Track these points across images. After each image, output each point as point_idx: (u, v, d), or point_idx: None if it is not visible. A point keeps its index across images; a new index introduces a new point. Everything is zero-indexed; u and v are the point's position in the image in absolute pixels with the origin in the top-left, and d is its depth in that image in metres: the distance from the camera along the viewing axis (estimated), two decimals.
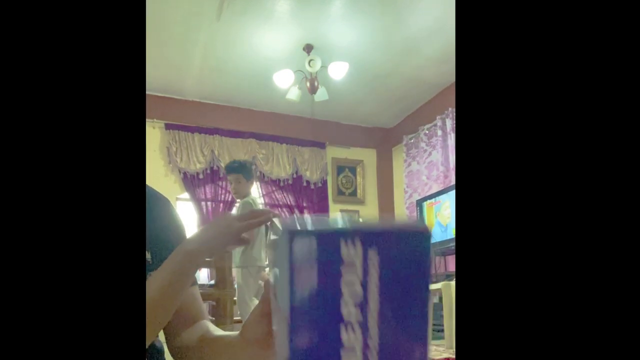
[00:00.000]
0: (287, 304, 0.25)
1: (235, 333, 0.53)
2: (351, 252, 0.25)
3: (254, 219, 0.56)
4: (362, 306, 0.25)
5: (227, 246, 0.56)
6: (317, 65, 3.82)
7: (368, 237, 0.25)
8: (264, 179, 4.88)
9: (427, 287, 0.26)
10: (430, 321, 0.26)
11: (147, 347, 0.57)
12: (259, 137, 4.90)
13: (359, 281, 0.25)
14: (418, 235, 0.26)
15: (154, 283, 0.53)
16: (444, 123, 4.47)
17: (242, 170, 3.14)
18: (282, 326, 0.26)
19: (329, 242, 0.25)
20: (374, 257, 0.25)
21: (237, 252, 2.94)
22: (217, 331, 0.61)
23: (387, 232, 0.26)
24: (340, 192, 5.23)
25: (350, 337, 0.25)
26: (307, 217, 0.26)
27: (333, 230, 0.25)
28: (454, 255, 4.05)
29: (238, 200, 3.22)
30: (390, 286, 0.25)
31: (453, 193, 3.89)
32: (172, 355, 0.65)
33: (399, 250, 0.26)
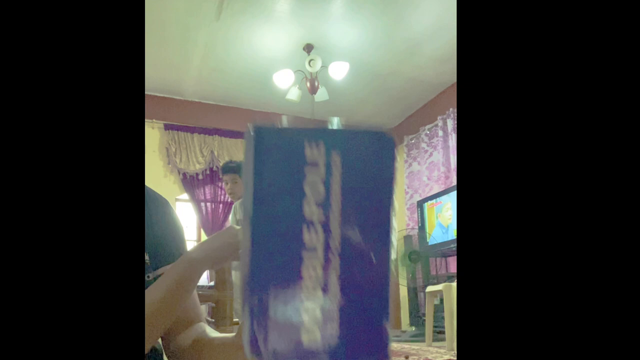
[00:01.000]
0: (250, 204, 0.25)
1: (230, 335, 0.53)
2: (314, 153, 0.25)
3: None
4: (325, 206, 0.25)
5: (230, 258, 0.56)
6: (318, 65, 3.82)
7: (331, 138, 0.26)
8: None
9: (390, 191, 0.26)
10: (394, 226, 0.26)
11: (147, 351, 0.57)
12: None
13: (321, 181, 0.25)
14: (381, 138, 0.26)
15: (157, 290, 0.54)
16: (445, 123, 4.47)
17: (239, 171, 3.13)
18: (246, 227, 0.25)
19: (292, 141, 0.25)
20: (336, 157, 0.25)
21: None
22: (213, 333, 0.62)
23: (350, 133, 0.26)
24: None
25: (312, 238, 0.25)
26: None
27: (297, 130, 0.26)
28: (455, 257, 4.05)
29: (235, 201, 3.22)
30: (353, 187, 0.26)
31: (454, 194, 3.89)
32: (168, 357, 0.65)
33: (362, 152, 0.26)
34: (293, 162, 0.25)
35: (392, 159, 0.26)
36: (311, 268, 0.25)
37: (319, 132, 0.26)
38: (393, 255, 0.26)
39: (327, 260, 0.25)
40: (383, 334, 0.26)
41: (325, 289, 0.25)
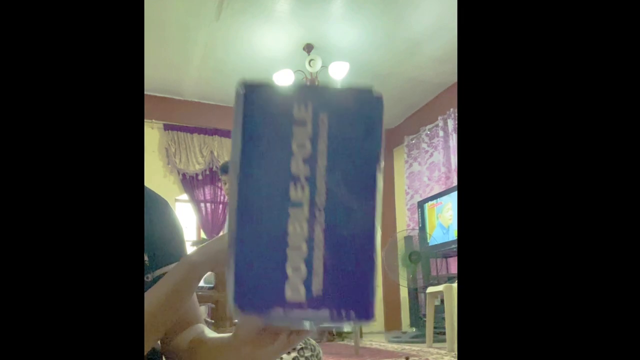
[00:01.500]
0: (238, 161, 0.25)
1: (227, 335, 0.53)
2: (302, 111, 0.25)
3: None
4: (311, 163, 0.25)
5: None
6: (318, 65, 3.83)
7: (319, 96, 0.26)
8: None
9: (377, 149, 0.26)
10: (380, 184, 0.26)
11: (147, 353, 0.57)
12: None
13: (308, 138, 0.25)
14: (369, 97, 0.26)
15: (157, 292, 0.54)
16: (445, 123, 4.47)
17: None
18: (233, 184, 0.26)
19: (281, 100, 0.26)
20: (324, 116, 0.26)
21: None
22: (211, 334, 0.62)
23: (338, 92, 0.26)
24: None
25: (299, 194, 0.25)
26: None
27: (286, 88, 0.26)
28: (456, 258, 4.05)
29: None
30: (340, 144, 0.26)
31: (455, 194, 3.88)
32: (166, 358, 0.65)
33: (350, 111, 0.26)
34: (281, 121, 0.25)
35: (380, 117, 0.26)
36: (297, 223, 0.25)
37: (307, 91, 0.26)
38: (379, 216, 0.26)
39: (312, 215, 0.25)
40: (368, 290, 0.26)
41: (310, 244, 0.25)
